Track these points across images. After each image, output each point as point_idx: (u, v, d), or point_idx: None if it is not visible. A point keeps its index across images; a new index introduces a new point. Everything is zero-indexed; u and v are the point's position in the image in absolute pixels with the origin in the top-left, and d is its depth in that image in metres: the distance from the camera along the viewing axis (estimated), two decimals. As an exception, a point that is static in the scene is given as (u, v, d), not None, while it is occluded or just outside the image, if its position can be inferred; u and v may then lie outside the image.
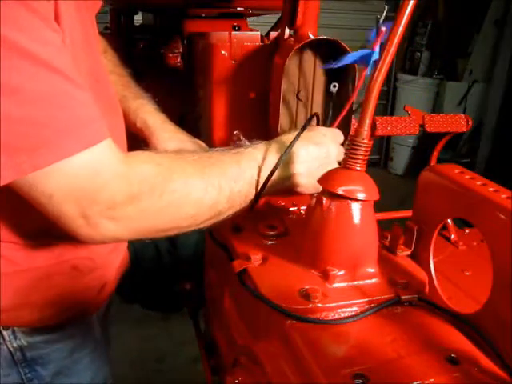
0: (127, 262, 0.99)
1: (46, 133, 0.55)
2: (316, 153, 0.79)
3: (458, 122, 1.06)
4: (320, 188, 0.72)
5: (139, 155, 0.65)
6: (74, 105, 0.58)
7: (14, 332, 0.80)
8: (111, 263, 0.90)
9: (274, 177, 0.74)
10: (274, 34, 1.03)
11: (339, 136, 0.85)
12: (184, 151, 0.69)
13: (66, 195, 0.59)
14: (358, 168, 0.73)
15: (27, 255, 0.75)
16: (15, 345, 0.80)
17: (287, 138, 0.79)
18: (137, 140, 0.96)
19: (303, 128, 0.78)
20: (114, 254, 0.90)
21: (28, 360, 0.82)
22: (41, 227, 0.71)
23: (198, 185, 0.66)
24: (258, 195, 0.74)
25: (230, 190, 0.69)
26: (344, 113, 0.88)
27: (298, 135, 0.76)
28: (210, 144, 1.02)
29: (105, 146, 0.60)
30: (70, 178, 0.58)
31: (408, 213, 0.83)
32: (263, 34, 1.07)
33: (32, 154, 0.55)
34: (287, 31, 0.99)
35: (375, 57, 0.74)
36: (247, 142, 1.05)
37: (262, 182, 0.73)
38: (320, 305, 0.67)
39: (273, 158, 0.75)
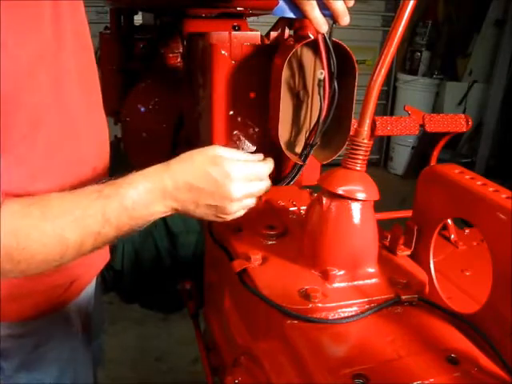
0: (106, 255, 0.98)
1: None
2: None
3: (458, 122, 1.06)
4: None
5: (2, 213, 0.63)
6: None
7: None
8: (82, 261, 0.86)
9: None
10: (274, 34, 1.03)
11: (251, 173, 0.75)
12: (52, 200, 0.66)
13: None
14: (358, 168, 0.74)
15: None
16: None
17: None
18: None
19: None
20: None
21: None
22: None
23: (52, 248, 0.66)
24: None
25: (81, 243, 0.68)
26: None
27: None
28: (210, 144, 1.02)
29: None
30: None
31: (408, 213, 0.83)
32: (263, 34, 1.07)
33: None
34: (287, 31, 0.99)
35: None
36: (247, 142, 1.05)
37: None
38: (320, 305, 0.67)
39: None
